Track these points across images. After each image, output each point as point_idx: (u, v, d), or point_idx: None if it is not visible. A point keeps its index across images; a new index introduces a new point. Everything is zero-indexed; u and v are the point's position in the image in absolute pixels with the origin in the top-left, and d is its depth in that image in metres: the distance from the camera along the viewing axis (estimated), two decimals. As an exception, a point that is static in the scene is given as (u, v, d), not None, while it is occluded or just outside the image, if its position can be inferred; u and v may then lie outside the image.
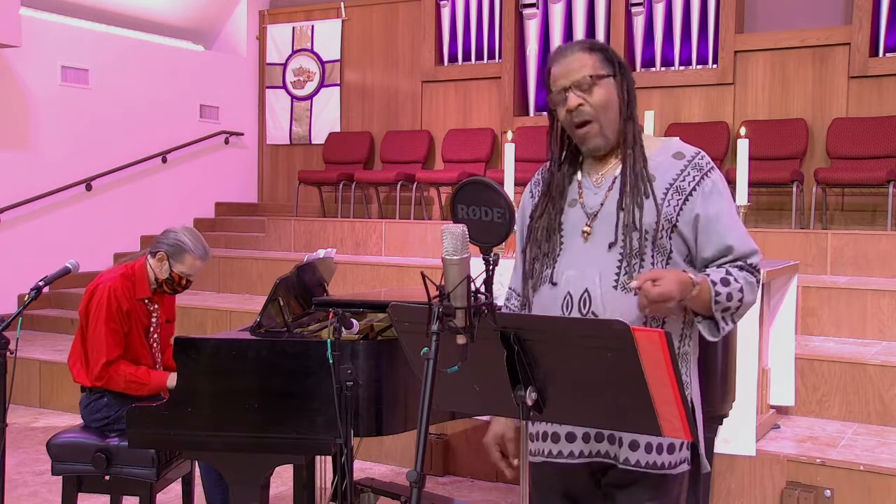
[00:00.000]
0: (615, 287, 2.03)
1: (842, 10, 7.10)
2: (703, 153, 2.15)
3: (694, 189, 2.07)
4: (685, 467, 2.09)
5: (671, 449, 2.05)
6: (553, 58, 2.16)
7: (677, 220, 2.06)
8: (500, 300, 2.18)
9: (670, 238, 2.07)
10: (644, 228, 2.04)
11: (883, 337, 4.99)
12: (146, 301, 3.49)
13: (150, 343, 3.51)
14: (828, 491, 3.70)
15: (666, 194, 2.07)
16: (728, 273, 2.05)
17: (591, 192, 2.13)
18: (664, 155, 2.13)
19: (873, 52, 6.89)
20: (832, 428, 4.28)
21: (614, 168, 2.13)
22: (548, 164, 2.23)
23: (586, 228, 2.09)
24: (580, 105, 2.08)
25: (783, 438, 4.08)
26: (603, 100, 2.08)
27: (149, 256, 3.48)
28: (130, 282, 3.44)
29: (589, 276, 2.05)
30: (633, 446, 2.04)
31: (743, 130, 4.23)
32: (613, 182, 2.11)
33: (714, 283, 2.02)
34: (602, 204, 2.10)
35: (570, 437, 2.09)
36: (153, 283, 3.49)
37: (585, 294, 2.04)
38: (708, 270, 2.08)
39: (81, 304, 3.43)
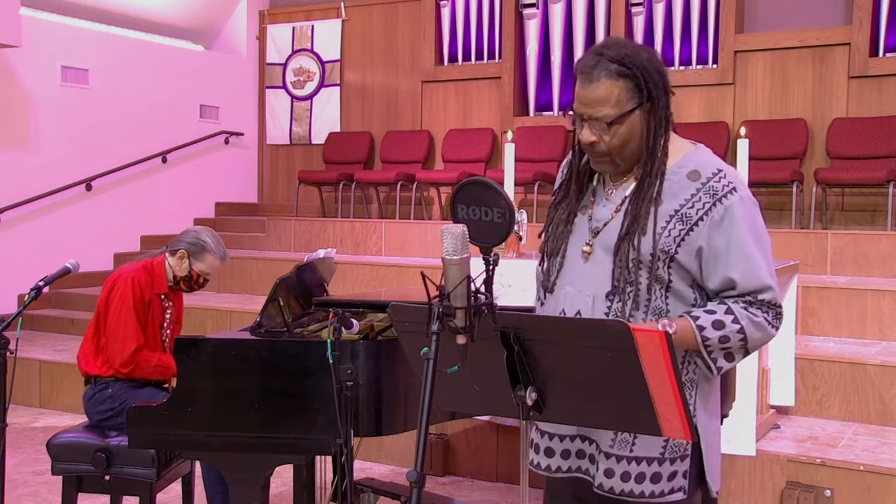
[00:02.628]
0: (606, 315, 1.96)
1: (842, 10, 7.10)
2: (723, 173, 1.95)
3: (701, 219, 1.91)
4: (679, 496, 1.95)
5: (656, 478, 1.94)
6: (579, 69, 1.95)
7: (676, 252, 1.92)
8: (500, 300, 2.16)
9: (669, 268, 1.94)
10: (639, 259, 1.92)
11: (883, 337, 4.99)
12: (162, 297, 3.61)
13: (162, 339, 3.61)
14: (828, 491, 3.70)
15: (668, 223, 1.92)
16: (727, 312, 1.90)
17: (601, 205, 2.04)
18: (680, 173, 1.96)
19: (873, 52, 6.89)
20: (832, 428, 4.28)
21: (629, 184, 2.01)
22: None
23: (586, 248, 2.00)
24: (594, 142, 1.95)
25: (783, 438, 4.08)
26: (622, 139, 1.94)
27: (167, 254, 3.61)
28: (150, 275, 3.56)
29: (584, 298, 1.99)
30: (609, 474, 1.95)
31: (743, 130, 4.23)
32: (623, 202, 1.99)
33: (701, 328, 1.89)
34: (609, 220, 2.00)
35: (549, 452, 2.06)
36: (170, 281, 3.61)
37: (578, 316, 1.99)
38: (698, 311, 1.93)
39: (101, 296, 3.52)
